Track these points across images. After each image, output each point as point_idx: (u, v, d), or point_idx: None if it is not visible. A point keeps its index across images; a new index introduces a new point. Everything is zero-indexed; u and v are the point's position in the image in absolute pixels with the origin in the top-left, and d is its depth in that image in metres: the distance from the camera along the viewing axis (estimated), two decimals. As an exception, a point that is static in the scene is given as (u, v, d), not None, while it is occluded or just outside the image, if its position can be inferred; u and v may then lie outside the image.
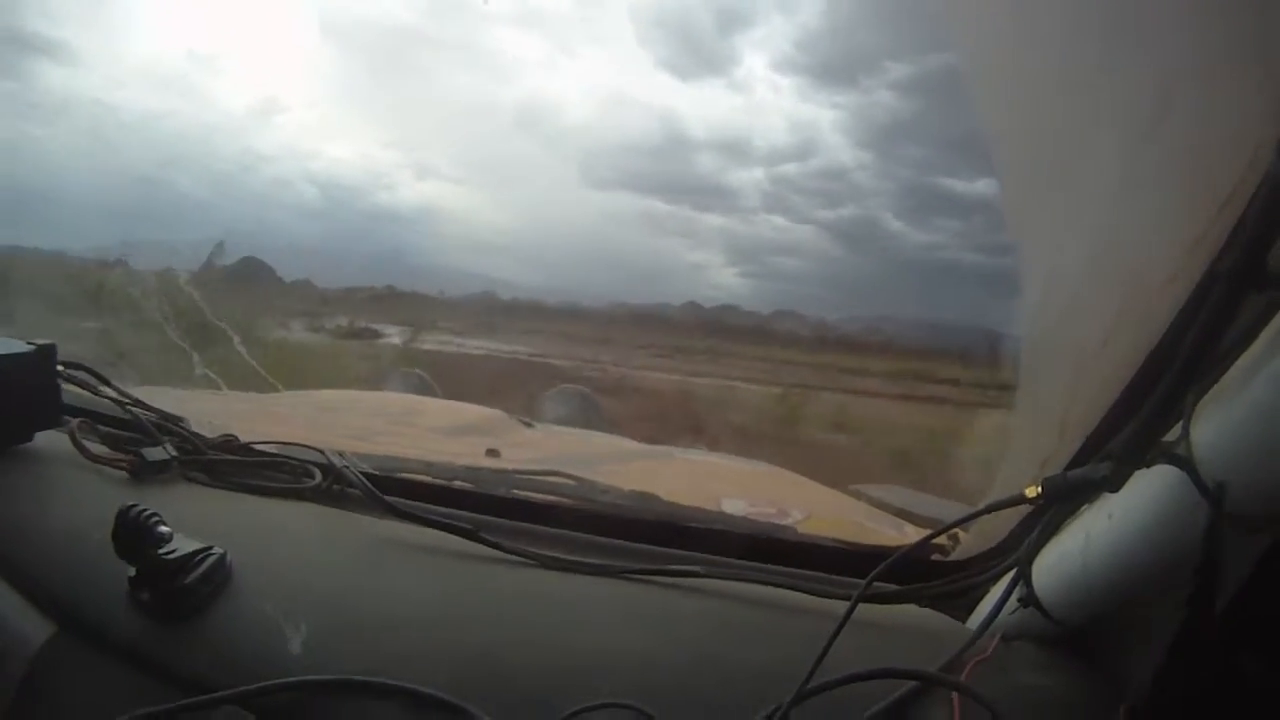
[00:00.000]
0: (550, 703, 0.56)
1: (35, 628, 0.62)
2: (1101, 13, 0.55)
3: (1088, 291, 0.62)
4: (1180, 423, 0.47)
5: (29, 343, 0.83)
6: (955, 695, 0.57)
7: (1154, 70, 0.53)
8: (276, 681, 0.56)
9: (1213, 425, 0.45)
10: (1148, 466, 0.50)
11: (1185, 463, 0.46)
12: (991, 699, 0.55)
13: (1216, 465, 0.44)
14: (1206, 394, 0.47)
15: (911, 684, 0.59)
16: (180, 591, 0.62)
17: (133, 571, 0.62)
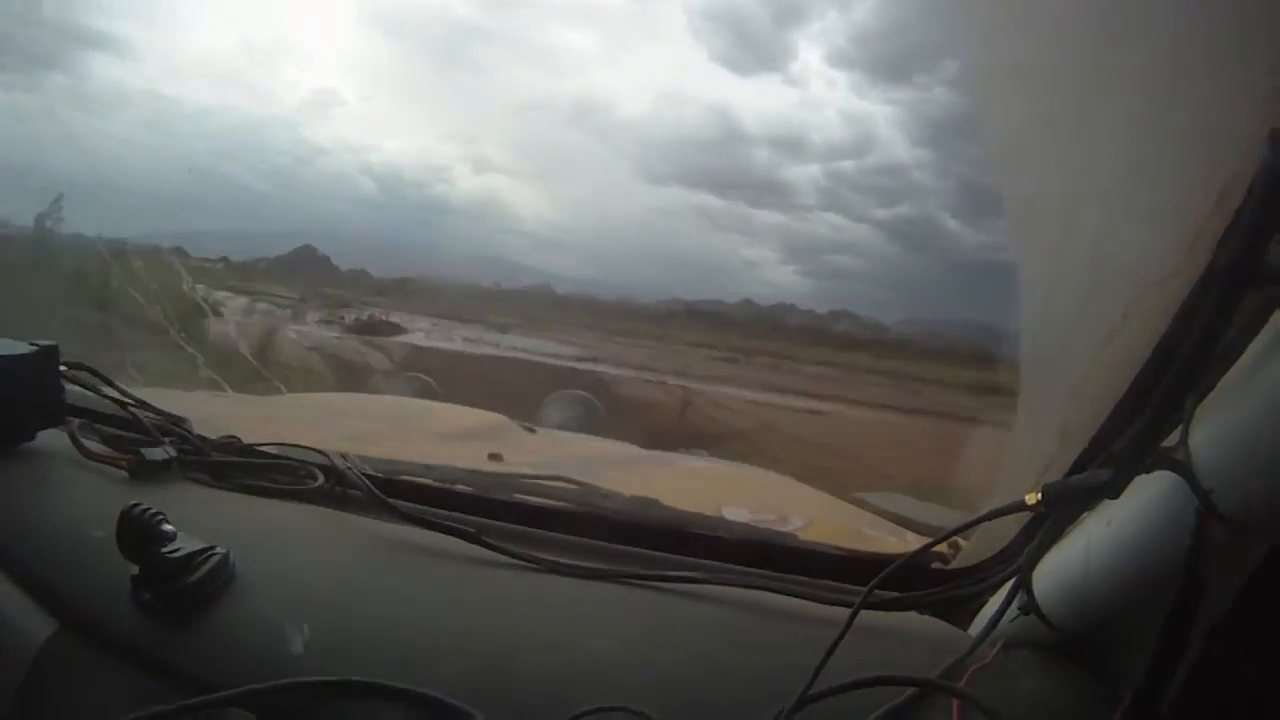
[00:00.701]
0: (552, 706, 0.56)
1: (37, 626, 0.62)
2: (1097, 11, 0.56)
3: (1087, 294, 0.62)
4: (1180, 427, 0.47)
5: (31, 343, 0.84)
6: (955, 702, 0.57)
7: (1148, 66, 0.54)
8: (279, 682, 0.56)
9: (1212, 428, 0.45)
10: (1147, 472, 0.50)
11: (1183, 468, 0.46)
12: (992, 706, 0.55)
13: (1215, 469, 0.44)
14: (1206, 397, 0.47)
15: (911, 691, 0.59)
16: (183, 591, 0.62)
17: (135, 570, 0.63)
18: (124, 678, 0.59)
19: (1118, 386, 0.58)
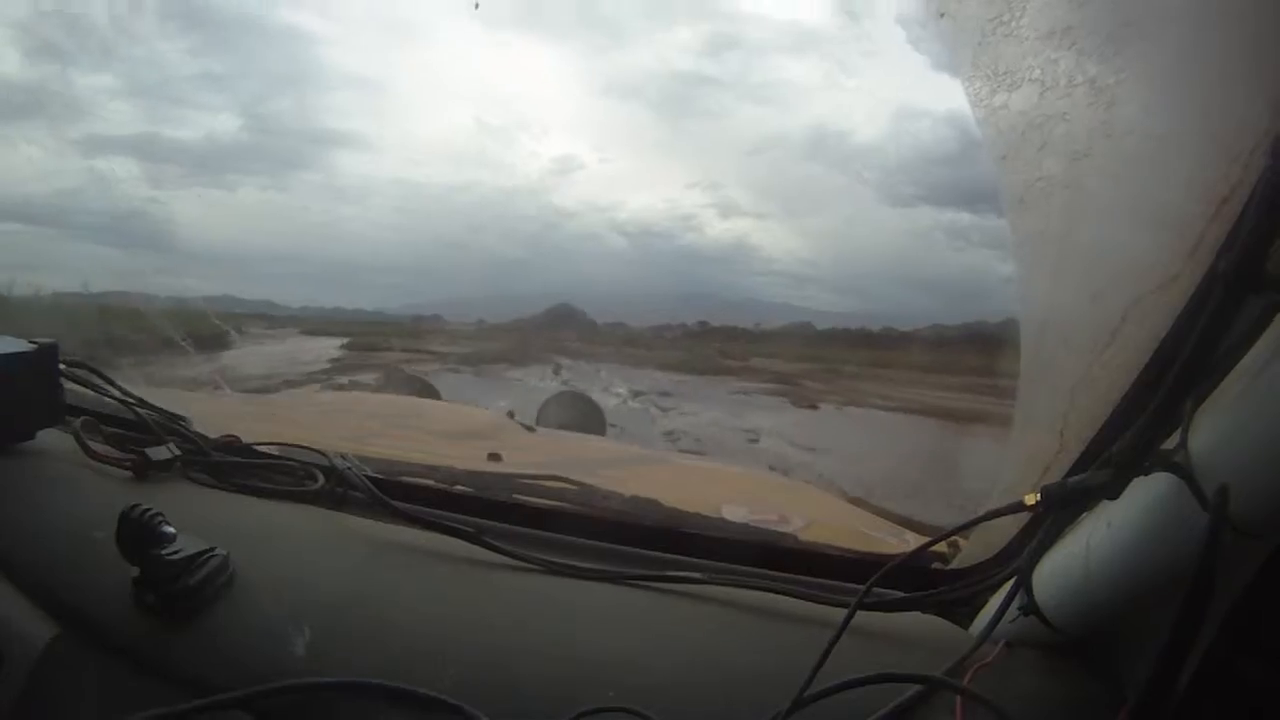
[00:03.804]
0: (552, 707, 0.56)
1: (38, 628, 0.62)
2: (1102, 13, 0.56)
3: (1088, 296, 0.62)
4: (1179, 429, 0.47)
5: (31, 341, 0.83)
6: (958, 700, 0.58)
7: (1152, 71, 0.54)
8: (280, 684, 0.56)
9: (1211, 431, 0.46)
10: (1146, 474, 0.50)
11: (1183, 470, 0.46)
12: (996, 703, 0.55)
13: (1215, 471, 0.44)
14: (1205, 400, 0.47)
15: (914, 690, 0.59)
16: (184, 593, 0.62)
17: (136, 572, 0.62)
18: (125, 680, 0.59)
19: (1118, 389, 0.58)
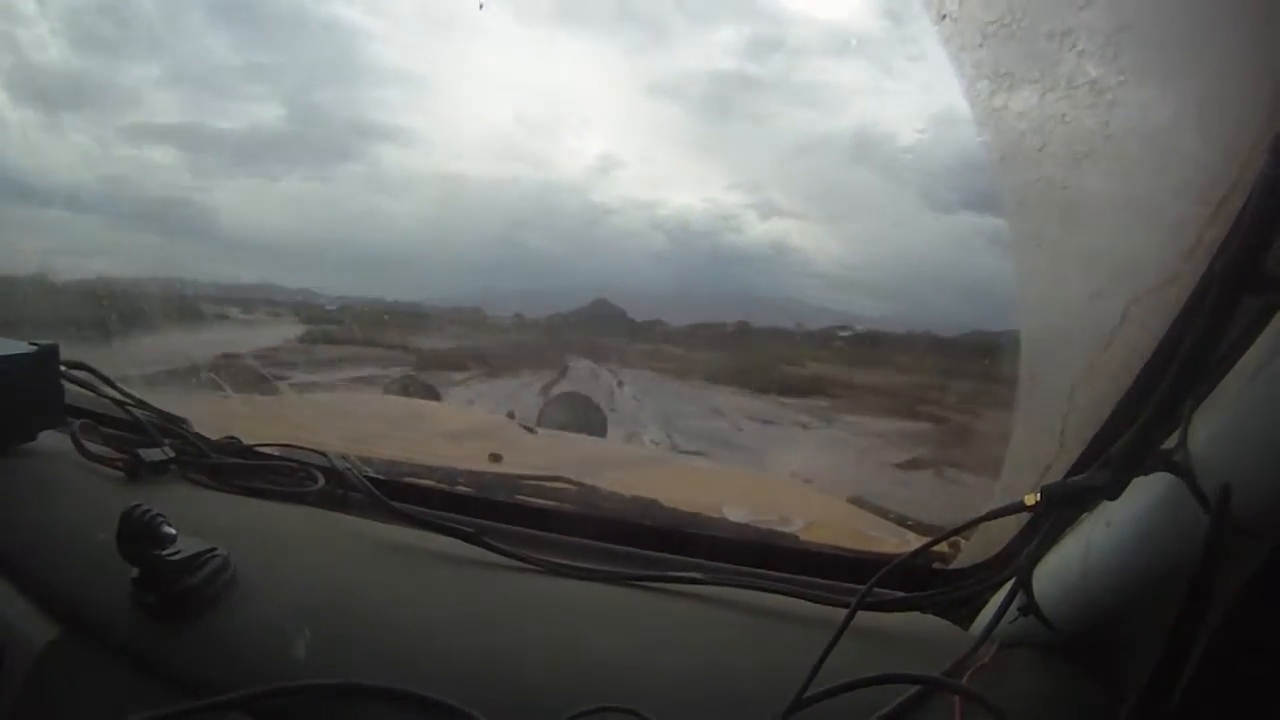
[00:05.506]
0: (552, 707, 0.56)
1: (38, 629, 0.62)
2: (1100, 12, 0.56)
3: (1087, 297, 0.62)
4: (1179, 429, 0.47)
5: (31, 343, 0.84)
6: (958, 700, 0.58)
7: (1149, 69, 0.54)
8: (280, 685, 0.56)
9: (1210, 431, 0.46)
10: (1146, 474, 0.50)
11: (1182, 470, 0.46)
12: (995, 704, 0.55)
13: (1214, 471, 0.44)
14: (1205, 400, 0.47)
15: (913, 691, 0.59)
16: (184, 594, 0.62)
17: (136, 572, 0.63)
18: (125, 681, 0.59)
19: (1117, 389, 0.58)
